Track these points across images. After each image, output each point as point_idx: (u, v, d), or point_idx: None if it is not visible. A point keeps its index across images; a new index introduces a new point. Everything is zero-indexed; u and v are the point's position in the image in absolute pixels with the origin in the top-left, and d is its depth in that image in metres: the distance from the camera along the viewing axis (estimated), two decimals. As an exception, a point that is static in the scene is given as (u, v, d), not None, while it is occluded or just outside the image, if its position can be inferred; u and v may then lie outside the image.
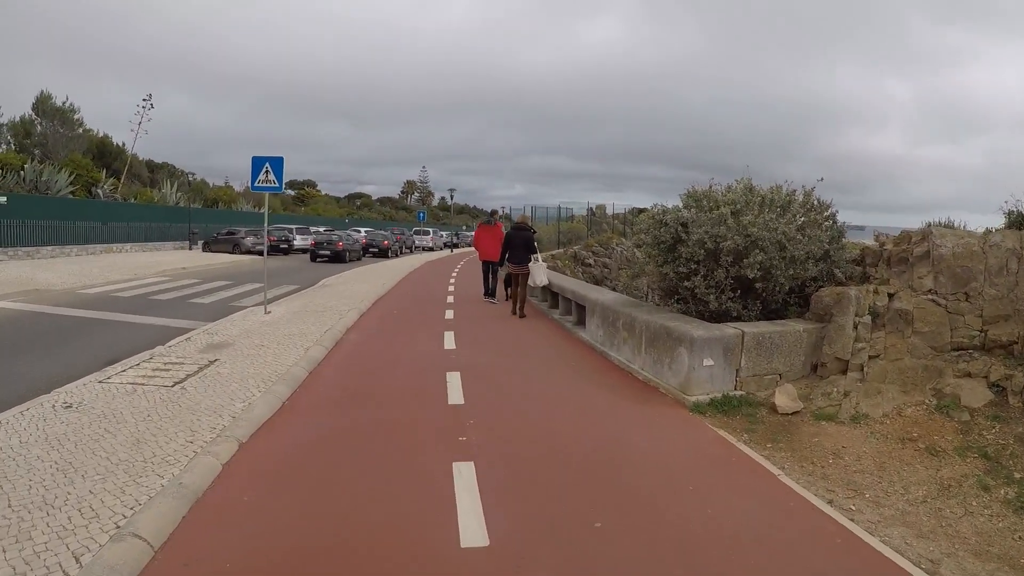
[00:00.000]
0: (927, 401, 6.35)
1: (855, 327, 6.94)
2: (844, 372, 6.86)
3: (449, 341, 10.40)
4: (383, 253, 38.89)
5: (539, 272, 13.55)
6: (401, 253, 43.63)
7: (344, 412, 6.52)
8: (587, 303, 10.41)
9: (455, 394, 7.14)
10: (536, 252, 13.70)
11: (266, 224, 13.73)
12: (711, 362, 6.84)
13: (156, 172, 57.70)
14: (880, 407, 6.34)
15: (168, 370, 7.64)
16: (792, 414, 6.45)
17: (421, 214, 73.70)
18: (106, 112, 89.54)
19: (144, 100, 43.84)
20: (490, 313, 14.24)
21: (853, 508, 4.59)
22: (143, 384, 6.96)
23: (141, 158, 52.98)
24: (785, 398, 6.59)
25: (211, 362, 8.15)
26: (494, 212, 20.32)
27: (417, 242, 53.18)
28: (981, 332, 6.76)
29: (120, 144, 47.58)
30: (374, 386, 7.58)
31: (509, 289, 14.31)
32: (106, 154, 45.74)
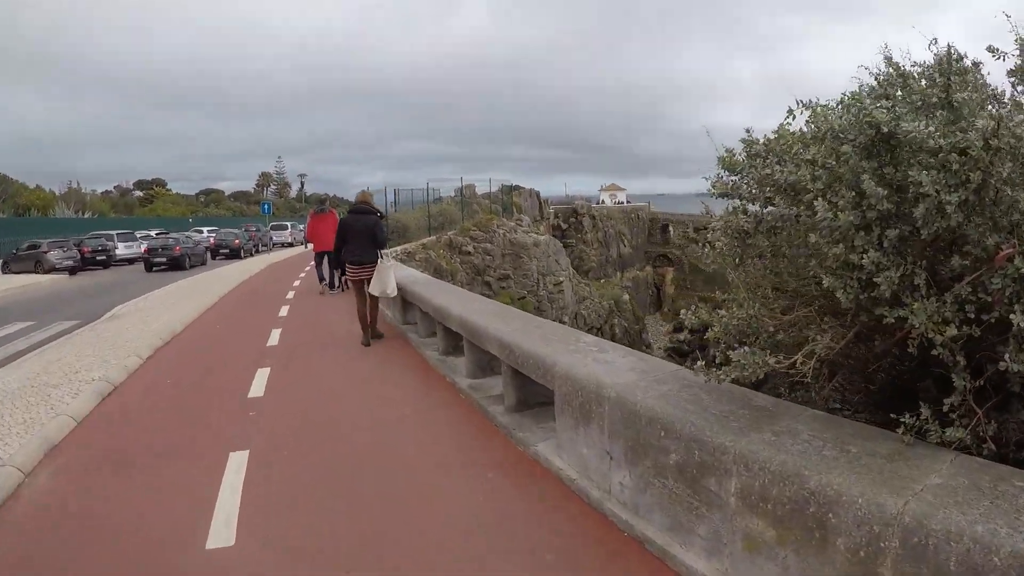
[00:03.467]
0: None
1: None
2: None
3: (258, 385, 7.40)
4: (235, 253, 35.44)
5: (387, 276, 9.37)
6: (258, 251, 40.43)
7: None
8: (555, 379, 4.81)
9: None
10: (384, 245, 9.63)
11: None
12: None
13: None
14: None
15: None
16: None
17: (266, 205, 66.73)
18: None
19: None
20: (330, 332, 10.75)
21: None
22: None
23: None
24: None
25: None
26: (324, 199, 16.64)
27: (275, 238, 49.62)
28: None
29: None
30: None
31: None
32: None
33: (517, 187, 49.55)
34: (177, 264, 28.39)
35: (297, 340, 10.17)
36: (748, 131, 3.75)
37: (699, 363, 3.54)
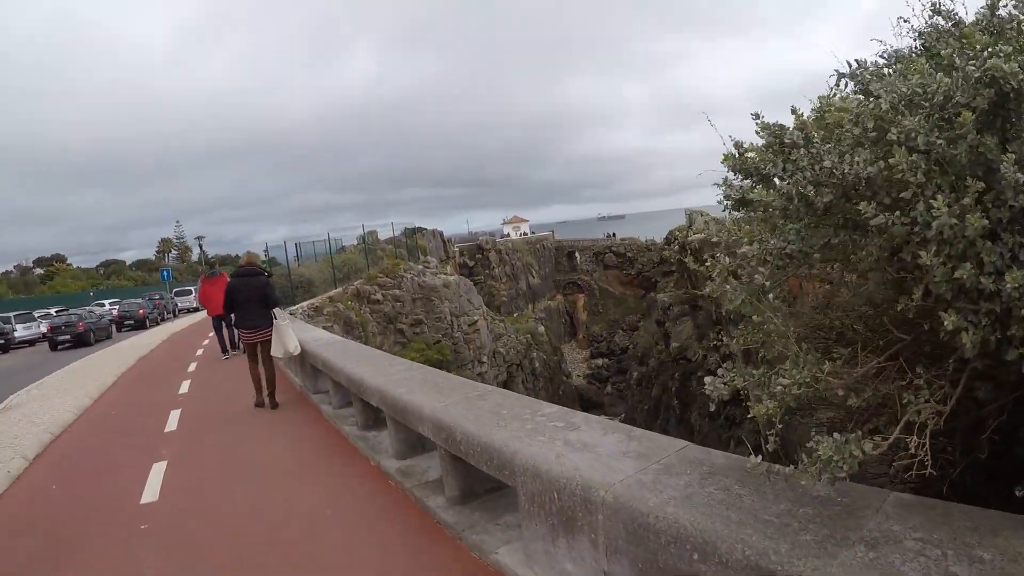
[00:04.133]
0: None
1: None
2: None
3: (152, 487, 6.29)
4: (141, 324, 34.25)
5: (287, 336, 9.00)
6: (164, 319, 39.23)
7: None
8: (516, 475, 3.48)
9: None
10: (277, 305, 9.23)
11: None
12: None
13: None
14: None
15: None
16: None
17: (164, 272, 62.71)
18: None
19: None
20: (232, 407, 9.55)
21: None
22: None
23: None
24: None
25: None
26: (213, 263, 15.27)
27: (179, 304, 47.52)
28: None
29: None
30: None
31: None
32: None
33: (420, 229, 48.73)
34: (82, 340, 27.30)
35: (197, 422, 9.11)
36: (757, 116, 2.73)
37: (755, 458, 2.43)
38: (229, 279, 10.20)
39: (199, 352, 17.85)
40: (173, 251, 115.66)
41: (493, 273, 64.18)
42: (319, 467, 6.34)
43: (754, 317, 2.70)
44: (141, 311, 35.23)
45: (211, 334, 17.39)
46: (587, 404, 59.11)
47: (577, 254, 77.11)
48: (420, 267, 31.09)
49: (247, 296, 8.89)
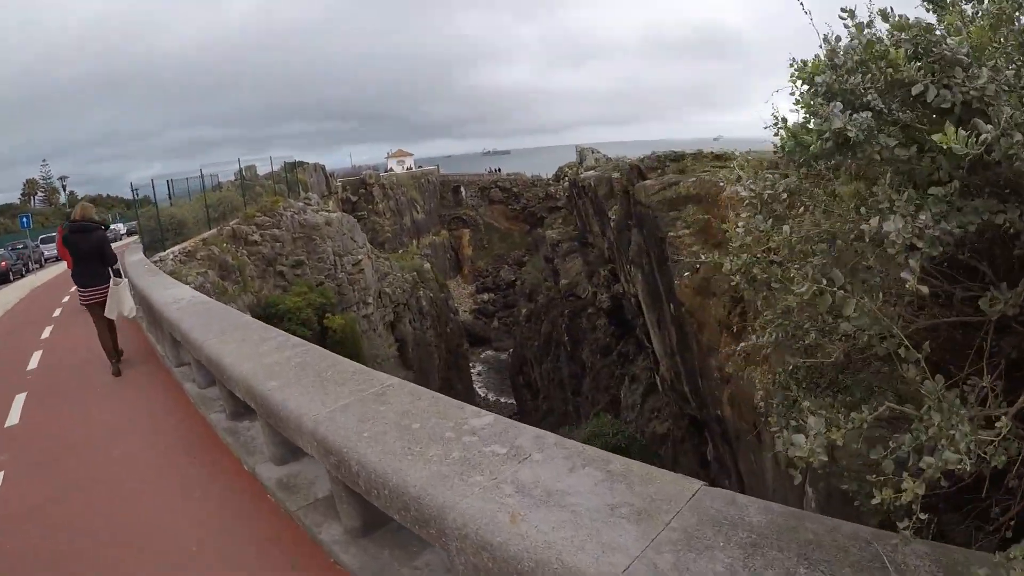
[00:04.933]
0: None
1: None
2: None
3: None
4: (4, 277, 29.57)
5: (123, 296, 8.54)
6: (30, 270, 34.01)
7: None
8: (449, 540, 2.33)
9: None
10: (114, 263, 8.63)
11: None
12: None
13: None
14: None
15: None
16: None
17: (24, 219, 55.07)
18: None
19: None
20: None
21: None
22: None
23: None
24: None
25: None
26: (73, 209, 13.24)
27: (46, 252, 40.67)
28: None
29: None
30: None
31: None
32: None
33: (301, 163, 45.48)
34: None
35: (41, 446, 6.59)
36: (851, 12, 1.63)
37: (904, 529, 1.44)
38: (64, 234, 8.98)
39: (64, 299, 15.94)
40: (40, 193, 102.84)
41: (377, 208, 61.95)
42: (185, 477, 4.91)
43: (847, 323, 1.65)
44: (3, 263, 30.44)
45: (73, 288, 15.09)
46: (474, 339, 58.87)
47: (463, 189, 75.77)
48: (301, 204, 28.75)
49: (84, 253, 8.35)
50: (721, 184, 12.67)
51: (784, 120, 2.01)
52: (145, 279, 11.29)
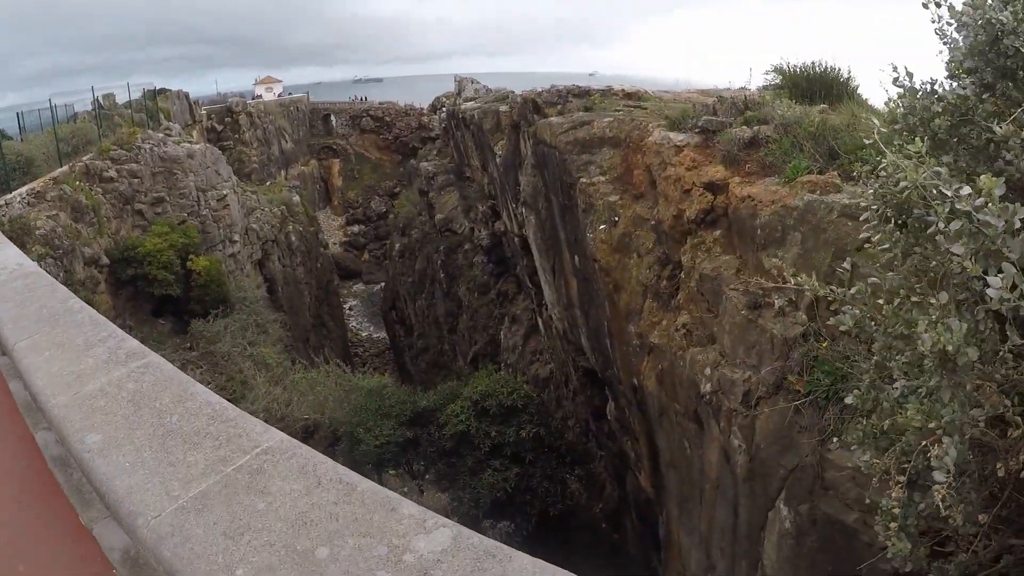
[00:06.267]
0: None
1: None
2: None
3: None
4: None
5: None
6: None
7: None
8: None
9: None
10: None
11: None
12: None
13: None
14: None
15: None
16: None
17: None
18: None
19: None
20: None
21: None
22: None
23: None
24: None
25: None
26: None
27: None
28: None
29: None
30: None
31: None
32: None
33: (163, 91, 40.82)
34: None
35: None
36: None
37: None
38: None
39: None
40: None
41: (244, 138, 58.49)
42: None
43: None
44: None
45: None
46: (345, 273, 56.67)
47: (333, 117, 72.83)
48: (161, 135, 25.95)
49: None
50: (647, 126, 11.73)
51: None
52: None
